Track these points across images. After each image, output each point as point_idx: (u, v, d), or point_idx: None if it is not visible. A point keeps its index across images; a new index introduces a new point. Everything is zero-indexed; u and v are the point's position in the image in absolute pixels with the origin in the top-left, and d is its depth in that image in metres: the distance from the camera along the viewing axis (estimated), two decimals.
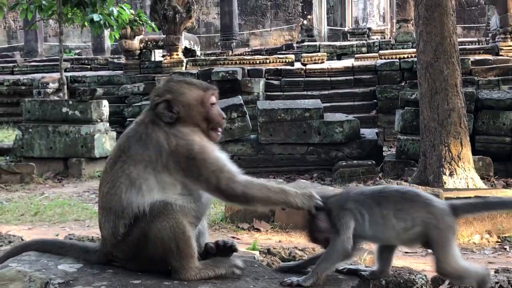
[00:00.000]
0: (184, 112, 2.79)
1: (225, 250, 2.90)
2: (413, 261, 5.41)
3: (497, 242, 6.23)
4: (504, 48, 17.15)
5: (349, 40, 23.28)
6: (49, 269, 2.77)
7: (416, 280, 3.62)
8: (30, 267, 2.77)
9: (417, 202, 2.74)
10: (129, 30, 17.11)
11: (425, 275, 3.75)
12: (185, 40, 18.62)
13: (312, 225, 2.79)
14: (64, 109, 11.14)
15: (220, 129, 2.88)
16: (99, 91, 11.51)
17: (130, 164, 2.74)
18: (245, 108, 10.93)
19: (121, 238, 2.73)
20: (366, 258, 4.70)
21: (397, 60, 15.97)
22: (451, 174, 8.23)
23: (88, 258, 2.90)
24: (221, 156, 2.77)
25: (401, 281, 3.60)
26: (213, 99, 2.86)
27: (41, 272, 2.71)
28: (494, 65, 15.66)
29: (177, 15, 17.44)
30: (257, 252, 3.66)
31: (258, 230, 6.72)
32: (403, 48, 18.40)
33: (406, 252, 5.84)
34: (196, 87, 2.86)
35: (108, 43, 25.29)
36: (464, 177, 8.23)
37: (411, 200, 2.75)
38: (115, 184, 2.74)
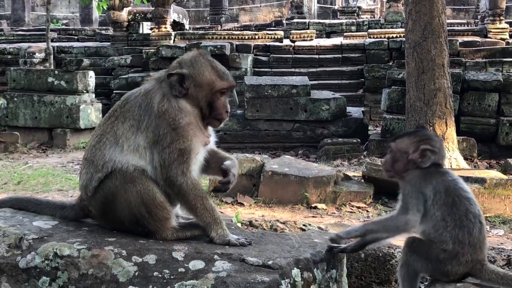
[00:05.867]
0: (193, 91, 2.81)
1: None
2: None
3: None
4: (493, 30, 17.16)
5: (338, 18, 23.20)
6: (24, 225, 2.78)
7: (395, 254, 3.67)
8: (5, 222, 2.78)
9: None
10: (117, 1, 16.95)
11: None
12: (174, 13, 18.45)
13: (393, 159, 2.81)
14: (50, 79, 11.06)
15: (221, 121, 2.90)
16: (86, 62, 11.45)
17: (120, 120, 2.77)
18: None
19: (92, 193, 2.76)
20: None
21: (386, 39, 15.93)
22: None
23: (65, 215, 2.93)
24: (196, 148, 2.76)
25: (380, 255, 3.65)
26: (225, 90, 2.87)
27: (15, 227, 2.72)
28: (482, 47, 15.67)
29: None
30: (239, 224, 3.68)
31: (241, 204, 6.75)
32: (392, 27, 18.37)
33: None
34: (217, 74, 2.86)
35: (96, 14, 25.03)
36: (448, 157, 8.27)
37: None
38: (102, 140, 2.78)
